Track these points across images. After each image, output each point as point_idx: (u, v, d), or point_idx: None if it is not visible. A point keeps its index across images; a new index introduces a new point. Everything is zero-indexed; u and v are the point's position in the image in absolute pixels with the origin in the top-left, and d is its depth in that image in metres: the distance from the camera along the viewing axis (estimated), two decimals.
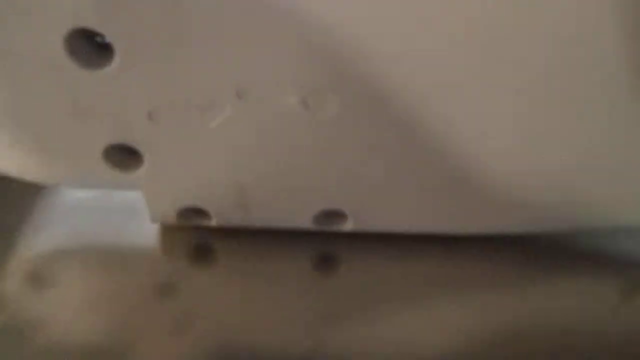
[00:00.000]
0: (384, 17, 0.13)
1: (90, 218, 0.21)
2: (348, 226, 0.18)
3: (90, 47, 0.14)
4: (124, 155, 0.16)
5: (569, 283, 0.19)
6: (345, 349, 0.17)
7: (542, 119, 0.15)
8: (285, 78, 0.14)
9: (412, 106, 0.14)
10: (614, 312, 0.19)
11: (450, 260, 0.20)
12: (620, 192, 0.17)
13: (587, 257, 0.20)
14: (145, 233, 0.20)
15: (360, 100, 0.14)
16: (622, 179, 0.16)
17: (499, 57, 0.13)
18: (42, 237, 0.20)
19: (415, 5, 0.13)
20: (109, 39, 0.13)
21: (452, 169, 0.16)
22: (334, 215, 0.18)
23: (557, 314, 0.18)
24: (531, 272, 0.20)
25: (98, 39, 0.14)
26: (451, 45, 0.13)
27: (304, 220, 0.18)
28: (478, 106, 0.14)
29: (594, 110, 0.14)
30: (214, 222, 0.18)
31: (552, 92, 0.14)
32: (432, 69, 0.14)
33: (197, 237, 0.20)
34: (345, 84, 0.14)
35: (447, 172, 0.16)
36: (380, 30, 0.13)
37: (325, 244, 0.20)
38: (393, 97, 0.14)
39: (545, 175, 0.16)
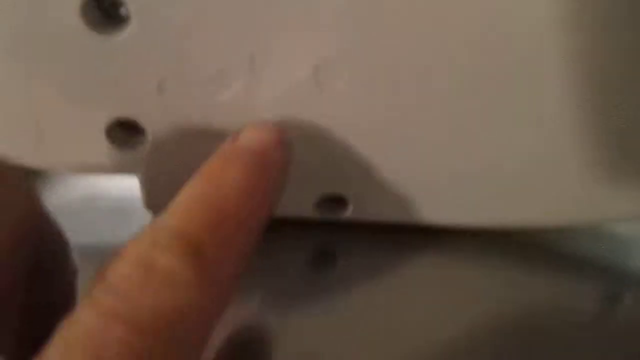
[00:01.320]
0: None
1: (79, 222, 0.21)
2: (347, 213, 0.18)
3: (105, 15, 0.14)
4: (126, 134, 0.16)
5: (552, 287, 0.20)
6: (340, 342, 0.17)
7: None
8: (296, 47, 0.14)
9: (420, 86, 0.15)
10: (594, 317, 0.19)
11: (443, 257, 0.20)
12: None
13: (571, 263, 0.21)
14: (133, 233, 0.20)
15: (369, 75, 0.15)
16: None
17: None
18: None
19: None
20: (126, 4, 0.14)
21: (454, 159, 0.16)
22: (335, 201, 0.18)
23: (540, 314, 0.19)
24: (517, 274, 0.20)
25: (112, 10, 0.14)
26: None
27: (305, 206, 0.18)
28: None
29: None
30: None
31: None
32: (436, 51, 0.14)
33: None
34: (355, 56, 0.14)
35: (448, 162, 0.16)
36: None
37: (324, 239, 0.20)
38: (401, 73, 0.15)
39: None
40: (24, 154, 0.16)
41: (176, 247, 0.11)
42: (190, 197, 0.13)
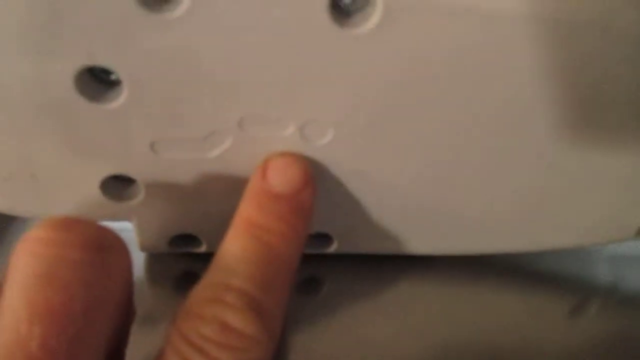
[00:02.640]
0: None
1: None
2: (332, 248, 0.19)
3: (98, 83, 0.15)
4: (119, 186, 0.17)
5: (521, 302, 0.21)
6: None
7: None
8: (285, 109, 0.15)
9: (399, 136, 0.16)
10: (562, 329, 0.20)
11: (417, 279, 0.21)
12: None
13: (539, 278, 0.22)
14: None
15: (352, 129, 0.16)
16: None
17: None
18: None
19: None
20: (118, 75, 0.14)
21: (432, 196, 0.17)
22: (320, 238, 0.19)
23: (511, 329, 0.20)
24: (489, 291, 0.21)
25: (104, 75, 0.15)
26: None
27: None
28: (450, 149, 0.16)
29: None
30: (204, 248, 0.19)
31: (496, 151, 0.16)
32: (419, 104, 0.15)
33: (183, 264, 0.20)
34: (340, 114, 0.15)
35: (427, 199, 0.18)
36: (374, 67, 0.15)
37: (310, 268, 0.21)
38: (381, 127, 0.16)
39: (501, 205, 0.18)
40: (23, 207, 0.17)
41: (245, 308, 0.13)
42: (243, 254, 0.14)
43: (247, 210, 0.15)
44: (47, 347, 0.10)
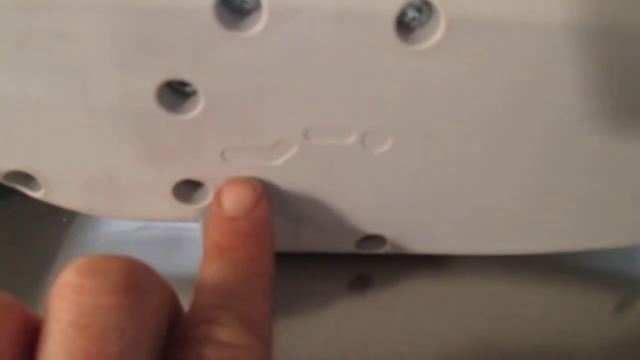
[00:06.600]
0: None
1: (131, 250, 0.22)
2: (385, 249, 0.20)
3: (175, 94, 0.16)
4: (189, 189, 0.18)
5: (566, 298, 0.22)
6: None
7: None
8: (348, 120, 0.16)
9: (455, 144, 0.17)
10: (606, 326, 0.21)
11: (462, 278, 0.22)
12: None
13: (583, 274, 0.23)
14: (191, 262, 0.22)
15: (410, 138, 0.16)
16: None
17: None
18: None
19: None
20: (196, 88, 0.15)
21: (483, 198, 0.18)
22: (374, 239, 0.20)
23: (556, 325, 0.21)
24: (533, 288, 0.22)
25: (181, 87, 0.16)
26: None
27: (348, 244, 0.20)
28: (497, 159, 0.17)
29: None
30: None
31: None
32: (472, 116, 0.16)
33: None
34: (400, 124, 0.16)
35: (480, 203, 0.18)
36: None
37: (360, 266, 0.22)
38: (439, 136, 0.16)
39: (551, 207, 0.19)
40: (101, 209, 0.18)
41: (231, 322, 0.14)
42: (218, 276, 0.15)
43: (212, 237, 0.16)
44: None
